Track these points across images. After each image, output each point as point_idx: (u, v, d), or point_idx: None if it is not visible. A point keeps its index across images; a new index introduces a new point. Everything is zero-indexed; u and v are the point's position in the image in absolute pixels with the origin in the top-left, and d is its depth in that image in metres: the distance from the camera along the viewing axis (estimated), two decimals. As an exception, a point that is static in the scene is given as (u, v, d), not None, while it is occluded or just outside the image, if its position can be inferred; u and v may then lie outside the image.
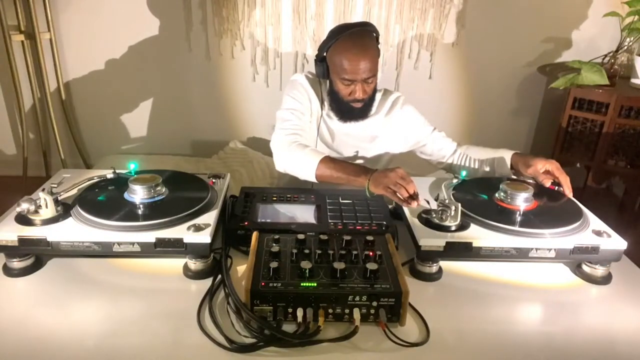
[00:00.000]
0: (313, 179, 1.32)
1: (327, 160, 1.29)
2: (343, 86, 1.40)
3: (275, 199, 1.23)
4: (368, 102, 1.46)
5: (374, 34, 1.42)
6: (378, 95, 1.54)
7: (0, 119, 2.74)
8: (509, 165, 1.36)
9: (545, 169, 1.24)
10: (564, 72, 2.41)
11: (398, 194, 1.12)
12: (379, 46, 1.44)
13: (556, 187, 1.24)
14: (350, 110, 1.45)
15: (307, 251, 0.94)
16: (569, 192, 1.21)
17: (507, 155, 1.37)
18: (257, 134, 2.86)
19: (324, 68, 1.43)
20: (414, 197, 1.10)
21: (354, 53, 1.34)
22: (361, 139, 1.55)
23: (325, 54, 1.42)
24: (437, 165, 1.60)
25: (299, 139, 1.39)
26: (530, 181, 1.27)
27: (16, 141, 2.80)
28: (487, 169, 1.43)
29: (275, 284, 0.86)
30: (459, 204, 1.02)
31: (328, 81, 1.48)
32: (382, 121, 1.55)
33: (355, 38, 1.36)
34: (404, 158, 1.64)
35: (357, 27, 1.39)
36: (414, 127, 1.56)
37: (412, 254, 1.06)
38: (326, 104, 1.52)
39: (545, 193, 1.21)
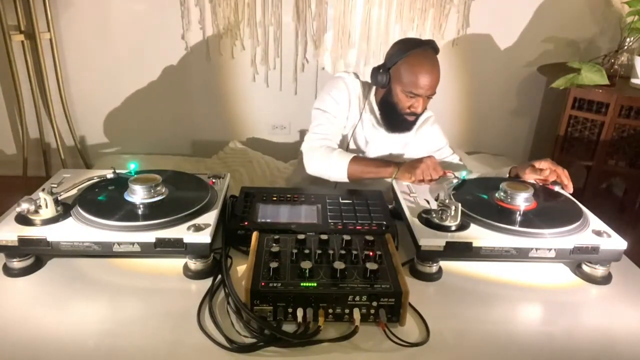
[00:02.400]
0: (345, 179, 1.42)
1: (356, 159, 1.43)
2: (406, 98, 1.44)
3: (275, 199, 1.23)
4: (417, 117, 1.52)
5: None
6: None
7: (0, 119, 2.74)
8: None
9: (541, 167, 1.25)
10: (564, 72, 2.41)
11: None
12: None
13: (556, 187, 1.24)
14: (403, 122, 1.51)
15: (307, 251, 0.94)
16: (568, 183, 1.22)
17: (506, 169, 1.39)
18: (257, 134, 2.86)
19: (386, 77, 1.46)
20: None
21: (426, 70, 1.40)
22: (393, 148, 1.61)
23: (390, 65, 1.46)
24: None
25: (328, 143, 1.48)
26: (530, 181, 1.27)
27: (16, 141, 2.80)
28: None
29: (275, 284, 0.86)
30: (459, 204, 1.02)
31: (384, 91, 1.50)
32: (414, 133, 1.60)
33: (428, 55, 1.43)
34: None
35: (427, 44, 1.45)
36: (437, 145, 1.62)
37: (412, 254, 1.06)
38: (371, 111, 1.56)
39: (545, 193, 1.21)
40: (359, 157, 1.43)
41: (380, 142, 1.59)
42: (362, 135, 1.59)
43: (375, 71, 1.48)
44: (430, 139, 1.62)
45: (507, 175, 1.35)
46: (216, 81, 2.72)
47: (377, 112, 1.54)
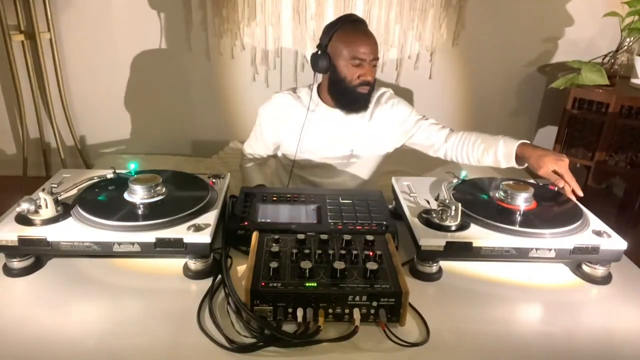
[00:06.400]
0: None
1: None
2: (353, 68, 1.45)
3: (275, 199, 1.23)
4: (371, 90, 1.52)
5: None
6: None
7: (0, 119, 2.75)
8: (514, 159, 1.36)
9: (554, 169, 1.23)
10: (564, 72, 2.42)
11: None
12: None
13: (556, 188, 1.24)
14: (357, 97, 1.50)
15: (307, 251, 0.94)
16: (578, 191, 1.19)
17: (511, 146, 1.36)
18: (257, 134, 2.86)
19: (327, 58, 1.47)
20: None
21: (361, 34, 1.45)
22: (354, 137, 1.59)
23: (326, 45, 1.48)
24: (433, 155, 1.62)
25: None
26: (530, 181, 1.27)
27: (16, 141, 2.80)
28: (490, 161, 1.45)
29: (275, 284, 0.86)
30: (459, 204, 1.02)
31: (329, 74, 1.51)
32: (368, 118, 1.59)
33: (358, 25, 1.48)
34: (399, 155, 1.65)
35: (350, 17, 1.49)
36: (400, 120, 1.60)
37: (412, 254, 1.06)
38: (319, 100, 1.57)
39: (546, 193, 1.21)
40: None
41: (340, 132, 1.58)
42: (315, 131, 1.57)
43: (314, 56, 1.49)
44: (389, 117, 1.60)
45: (514, 153, 1.34)
46: (216, 81, 2.72)
47: (327, 102, 1.55)
